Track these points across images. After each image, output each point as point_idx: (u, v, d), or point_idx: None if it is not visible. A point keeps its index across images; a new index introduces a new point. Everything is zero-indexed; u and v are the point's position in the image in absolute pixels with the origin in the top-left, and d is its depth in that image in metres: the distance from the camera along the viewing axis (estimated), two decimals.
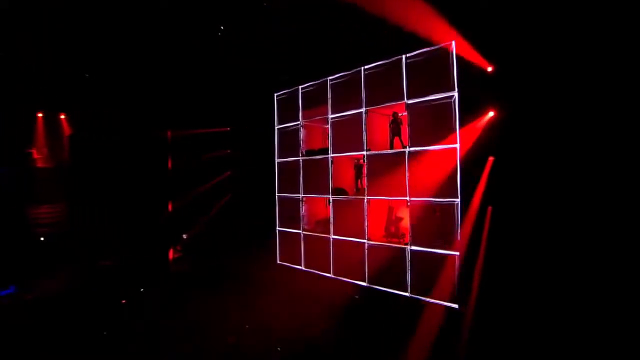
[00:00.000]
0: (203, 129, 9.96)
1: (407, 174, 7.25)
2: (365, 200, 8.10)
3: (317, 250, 9.27)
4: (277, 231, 10.27)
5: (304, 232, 9.53)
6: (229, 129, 10.55)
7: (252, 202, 10.35)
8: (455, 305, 6.52)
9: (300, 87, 9.49)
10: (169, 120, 9.60)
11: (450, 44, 6.52)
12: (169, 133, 9.59)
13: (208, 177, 10.31)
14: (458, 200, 6.45)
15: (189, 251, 9.25)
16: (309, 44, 8.59)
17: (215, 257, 9.90)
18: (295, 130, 9.73)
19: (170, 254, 9.01)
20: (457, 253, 6.49)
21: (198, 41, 8.72)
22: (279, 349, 5.53)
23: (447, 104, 6.64)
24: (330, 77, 8.73)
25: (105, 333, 6.09)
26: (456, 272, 6.52)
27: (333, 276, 8.70)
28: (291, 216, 10.04)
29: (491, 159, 5.27)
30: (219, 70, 9.44)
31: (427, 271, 7.04)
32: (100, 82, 8.77)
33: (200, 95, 9.78)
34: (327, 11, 7.54)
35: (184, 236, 9.45)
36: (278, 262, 10.23)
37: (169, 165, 9.61)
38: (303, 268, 9.50)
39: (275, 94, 10.16)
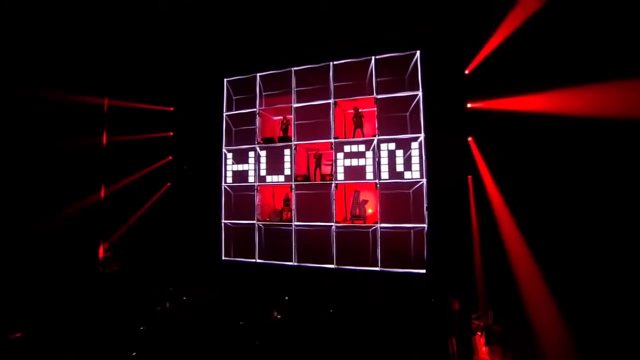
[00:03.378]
0: (143, 103, 8.35)
1: (378, 158, 8.09)
2: (334, 185, 8.52)
3: (276, 240, 9.05)
4: (222, 225, 9.46)
5: (260, 223, 9.14)
6: (172, 109, 9.19)
7: (195, 192, 9.24)
8: (423, 271, 7.58)
9: (258, 74, 9.33)
10: (104, 85, 7.62)
11: (415, 52, 7.92)
12: (105, 101, 7.60)
13: (147, 160, 8.62)
14: (425, 180, 7.68)
15: (118, 250, 7.45)
16: (274, 30, 8.62)
17: (150, 255, 8.28)
18: (250, 118, 9.43)
19: (101, 252, 7.04)
20: (425, 226, 7.63)
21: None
22: (331, 310, 5.28)
23: (413, 100, 7.94)
24: (296, 68, 8.97)
25: None
26: (424, 243, 7.63)
27: (297, 264, 8.64)
28: (241, 208, 9.49)
29: (471, 139, 6.63)
30: (168, 39, 8.32)
31: (396, 246, 7.95)
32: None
33: (142, 62, 8.26)
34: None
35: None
36: (223, 258, 9.38)
37: (104, 141, 7.58)
38: (258, 261, 9.04)
39: (226, 79, 9.61)
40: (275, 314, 5.70)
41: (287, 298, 6.31)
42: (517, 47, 5.00)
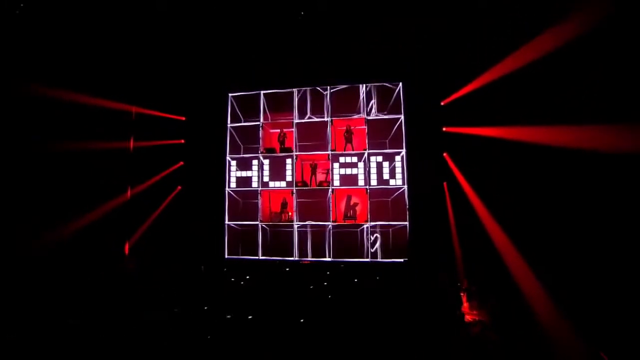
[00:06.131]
0: (159, 111, 9.03)
1: (368, 168, 9.81)
2: (330, 190, 10.03)
3: (277, 239, 10.24)
4: (225, 225, 10.38)
5: (263, 224, 10.26)
6: (184, 118, 9.94)
7: (203, 196, 10.07)
8: (406, 259, 9.35)
9: (262, 91, 10.59)
10: (131, 92, 8.20)
11: (399, 84, 9.89)
12: (133, 108, 8.14)
13: (162, 164, 9.23)
14: (406, 186, 9.56)
15: (133, 249, 7.96)
16: (278, 56, 10.03)
17: (161, 254, 8.87)
18: (253, 130, 10.61)
19: (126, 250, 7.50)
20: (407, 223, 9.47)
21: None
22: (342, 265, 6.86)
23: (396, 122, 9.84)
24: (297, 89, 10.42)
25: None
26: (407, 236, 9.44)
27: (297, 259, 9.90)
28: (245, 210, 10.57)
29: (446, 154, 8.64)
30: (182, 54, 9.24)
31: (383, 240, 9.67)
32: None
33: (160, 74, 9.03)
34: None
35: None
36: (226, 256, 10.28)
37: (131, 145, 8.07)
38: (261, 258, 10.12)
39: (230, 94, 10.70)
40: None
41: (328, 273, 7.67)
42: (483, 94, 7.14)
